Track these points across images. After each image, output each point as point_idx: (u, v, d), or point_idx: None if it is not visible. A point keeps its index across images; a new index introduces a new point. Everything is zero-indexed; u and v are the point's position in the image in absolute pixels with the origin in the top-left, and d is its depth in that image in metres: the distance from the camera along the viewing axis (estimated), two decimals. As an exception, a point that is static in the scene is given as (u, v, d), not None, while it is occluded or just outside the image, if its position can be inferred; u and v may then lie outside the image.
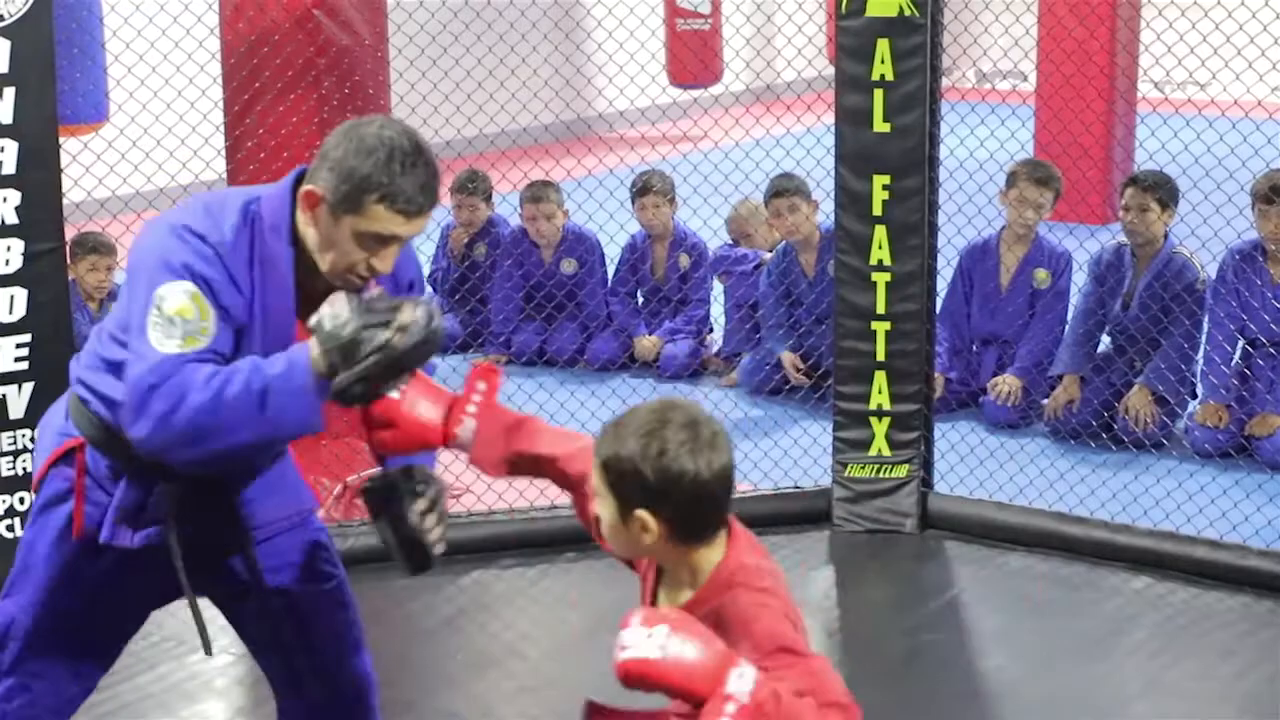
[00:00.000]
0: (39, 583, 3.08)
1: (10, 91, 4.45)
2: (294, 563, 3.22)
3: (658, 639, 2.33)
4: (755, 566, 2.49)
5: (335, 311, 2.78)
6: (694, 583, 2.50)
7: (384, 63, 5.56)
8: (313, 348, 2.79)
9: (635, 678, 2.34)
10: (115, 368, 2.90)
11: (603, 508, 2.49)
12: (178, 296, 2.77)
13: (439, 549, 3.10)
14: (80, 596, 3.08)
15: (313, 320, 2.80)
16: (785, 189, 6.72)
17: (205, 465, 2.86)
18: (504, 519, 5.33)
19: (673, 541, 2.45)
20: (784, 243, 6.87)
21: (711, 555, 2.49)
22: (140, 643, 4.52)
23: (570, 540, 5.27)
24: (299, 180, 2.88)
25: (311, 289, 2.88)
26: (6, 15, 4.42)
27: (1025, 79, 12.05)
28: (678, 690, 2.33)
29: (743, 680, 2.31)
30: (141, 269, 2.85)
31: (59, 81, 4.63)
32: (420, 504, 3.06)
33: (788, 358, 6.65)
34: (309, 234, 2.86)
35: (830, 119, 5.32)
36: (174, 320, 2.77)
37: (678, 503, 2.41)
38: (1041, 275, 6.58)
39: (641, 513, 2.41)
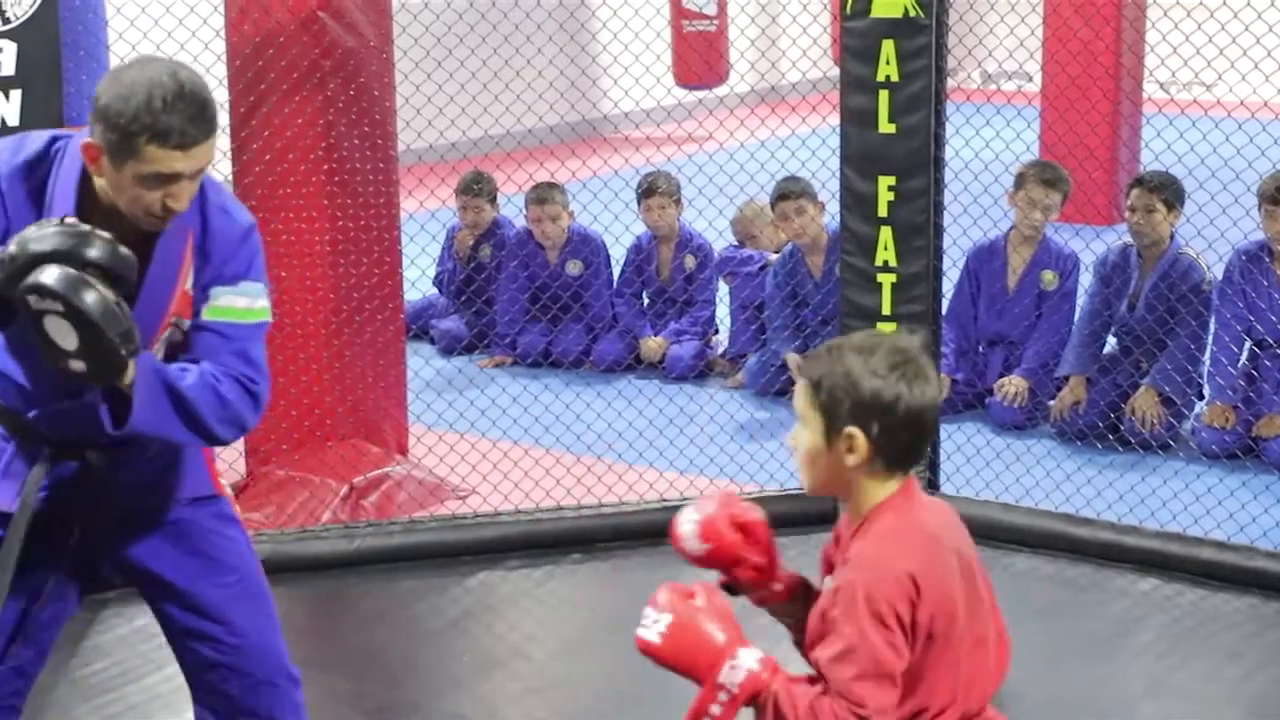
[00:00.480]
0: None
1: (17, 94, 4.48)
2: (189, 552, 3.19)
3: (660, 625, 2.45)
4: (904, 527, 2.51)
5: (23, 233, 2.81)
6: (859, 517, 2.56)
7: (389, 65, 5.57)
8: None
9: (644, 654, 2.47)
10: None
11: (804, 433, 2.54)
12: None
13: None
14: None
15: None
16: (791, 192, 6.73)
17: None
18: (509, 520, 5.34)
19: (873, 465, 2.51)
20: (790, 244, 6.88)
21: (890, 487, 2.55)
22: (148, 644, 4.54)
23: (576, 542, 5.28)
24: None
25: (120, 231, 2.87)
26: (13, 18, 4.43)
27: (1030, 80, 12.06)
28: (679, 673, 2.44)
29: (734, 672, 2.42)
30: None
31: (64, 84, 4.65)
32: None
33: (793, 359, 6.65)
34: (99, 183, 2.88)
35: (835, 120, 5.33)
36: None
37: (887, 424, 2.47)
38: (1049, 276, 6.58)
39: (851, 429, 2.48)
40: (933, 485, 5.43)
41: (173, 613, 3.22)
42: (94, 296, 2.77)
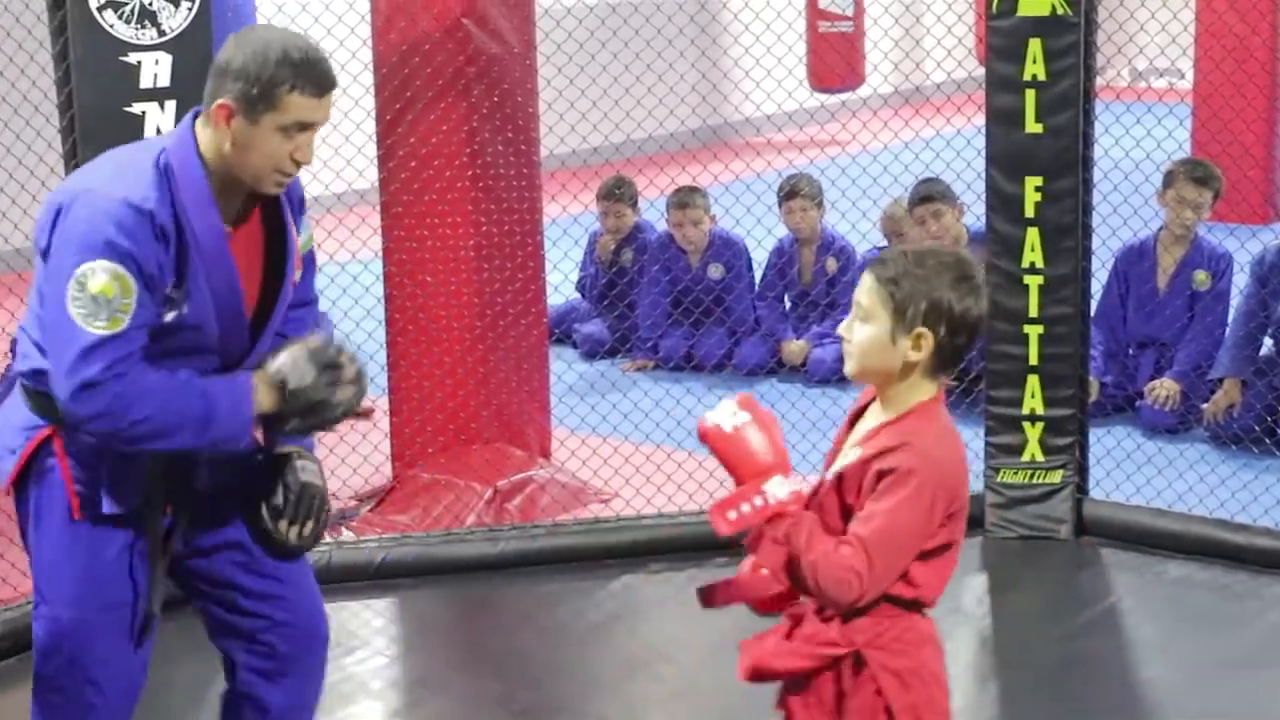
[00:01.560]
0: (71, 575, 3.13)
1: (171, 105, 4.57)
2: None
3: (736, 420, 2.70)
4: (943, 429, 2.77)
5: (299, 371, 3.09)
6: (899, 409, 2.79)
7: (532, 70, 5.62)
8: (262, 391, 3.07)
9: (702, 436, 2.71)
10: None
11: (865, 327, 2.77)
12: (100, 276, 2.91)
13: (308, 542, 3.25)
14: (111, 576, 3.14)
15: (273, 372, 3.08)
16: (929, 195, 6.69)
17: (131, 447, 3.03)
18: (652, 523, 5.36)
19: (927, 365, 2.77)
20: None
21: (932, 388, 2.80)
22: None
23: (719, 545, 5.28)
24: (195, 118, 3.08)
25: (230, 209, 3.08)
26: (168, 31, 4.54)
27: (1183, 76, 11.87)
28: (726, 464, 2.68)
29: (781, 488, 2.66)
30: (66, 242, 2.95)
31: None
32: (277, 502, 3.20)
33: None
34: (224, 151, 3.02)
35: (980, 120, 5.29)
36: (98, 299, 2.91)
37: (951, 329, 2.75)
38: (1201, 277, 6.48)
39: (924, 330, 2.73)
40: (1081, 490, 5.37)
41: (245, 581, 3.30)
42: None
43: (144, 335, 2.97)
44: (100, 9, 4.47)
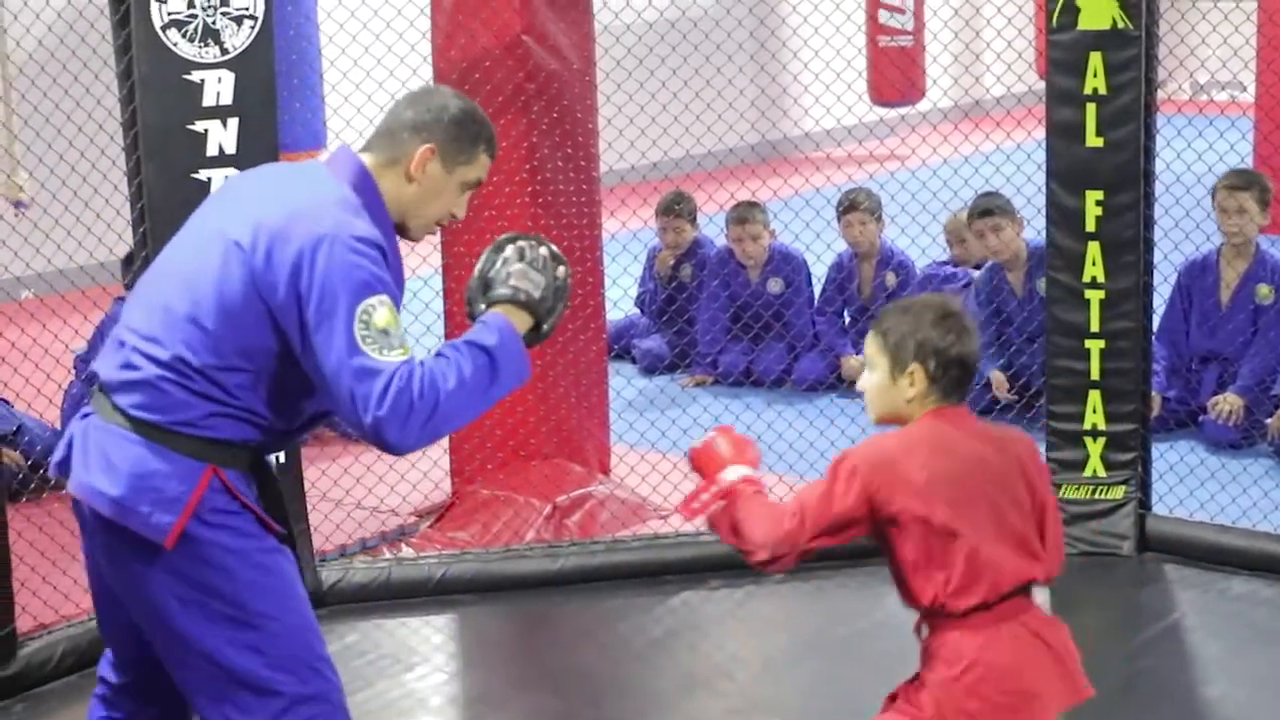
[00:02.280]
0: (279, 592, 3.08)
1: (234, 122, 4.60)
2: None
3: (705, 437, 3.21)
4: (914, 432, 3.09)
5: (531, 279, 3.21)
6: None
7: (591, 86, 5.63)
8: (515, 317, 3.17)
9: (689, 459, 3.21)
10: (216, 388, 3.02)
11: (870, 375, 3.15)
12: (381, 310, 3.00)
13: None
14: (300, 589, 3.15)
15: (507, 292, 3.19)
16: (988, 209, 6.65)
17: None
18: (712, 540, 5.30)
19: (927, 398, 3.10)
20: (991, 261, 6.79)
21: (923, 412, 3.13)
22: (358, 660, 4.64)
23: (779, 561, 5.26)
24: (361, 162, 3.17)
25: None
26: (231, 49, 4.57)
27: (1244, 89, 11.76)
28: (697, 471, 3.18)
29: (731, 473, 3.13)
30: (331, 277, 2.98)
31: (279, 112, 4.78)
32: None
33: (996, 377, 6.56)
34: (404, 194, 3.17)
35: (1040, 134, 5.25)
36: (387, 331, 2.99)
37: (944, 364, 3.08)
38: (1264, 290, 6.41)
39: (915, 367, 3.08)
40: (1144, 505, 5.32)
41: None
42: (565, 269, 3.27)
43: None
44: (165, 28, 4.50)
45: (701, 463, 3.19)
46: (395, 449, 3.01)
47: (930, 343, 3.09)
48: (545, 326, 3.23)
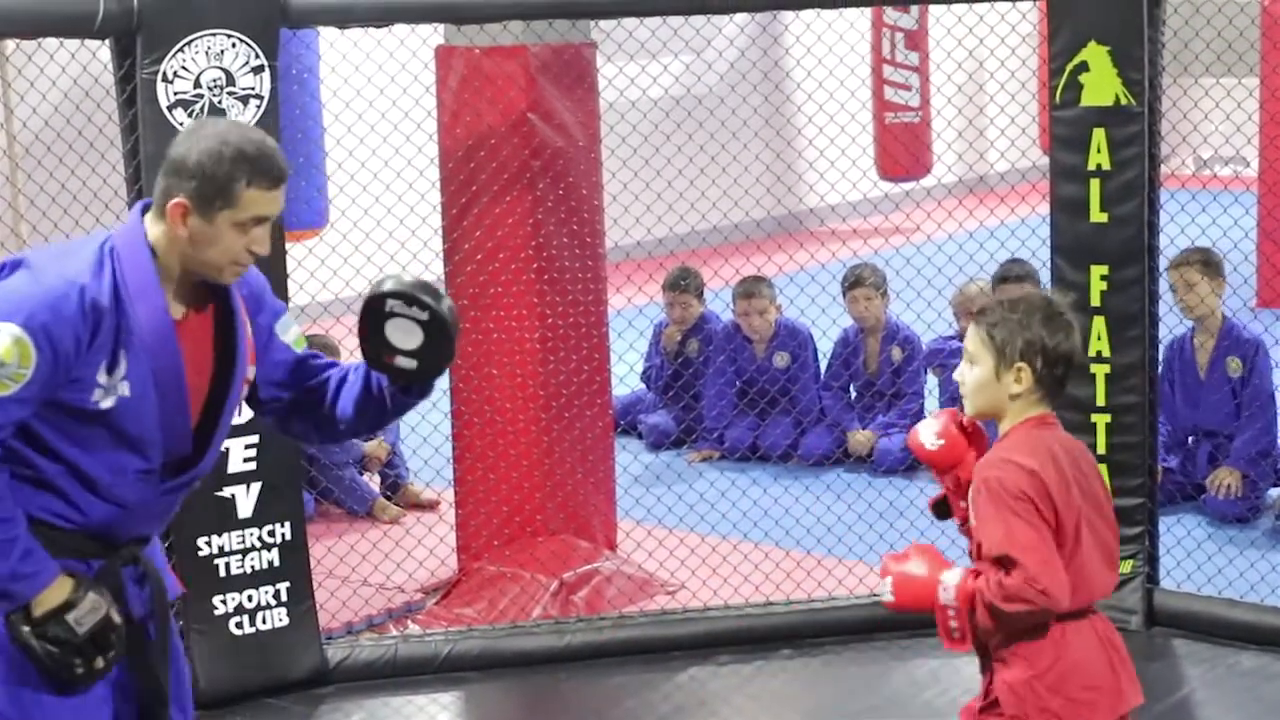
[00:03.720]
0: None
1: (240, 200, 4.62)
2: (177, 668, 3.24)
3: (889, 588, 3.21)
4: (1028, 438, 3.17)
5: (81, 616, 2.97)
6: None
7: (597, 163, 5.66)
8: (51, 596, 2.94)
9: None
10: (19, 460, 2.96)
11: (973, 369, 3.21)
12: (5, 341, 2.86)
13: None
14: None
15: (76, 591, 2.97)
16: (1012, 275, 6.64)
17: None
18: (719, 615, 5.32)
19: (1030, 396, 3.18)
20: None
21: (1035, 413, 3.22)
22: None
23: (786, 637, 5.24)
24: (144, 210, 3.05)
25: (186, 302, 3.07)
26: (236, 127, 4.59)
27: (1247, 164, 11.79)
28: (917, 613, 3.19)
29: (946, 593, 3.14)
30: None
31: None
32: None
33: None
34: (178, 246, 3.00)
35: (1045, 209, 5.27)
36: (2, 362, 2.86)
37: (1050, 362, 3.17)
38: (1234, 365, 6.43)
39: (1022, 365, 3.16)
40: (1152, 580, 5.29)
41: None
42: (449, 304, 3.10)
43: (23, 410, 2.90)
44: (170, 107, 4.53)
45: (914, 598, 3.19)
46: None
47: (1039, 341, 3.17)
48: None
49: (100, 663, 3.00)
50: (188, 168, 2.98)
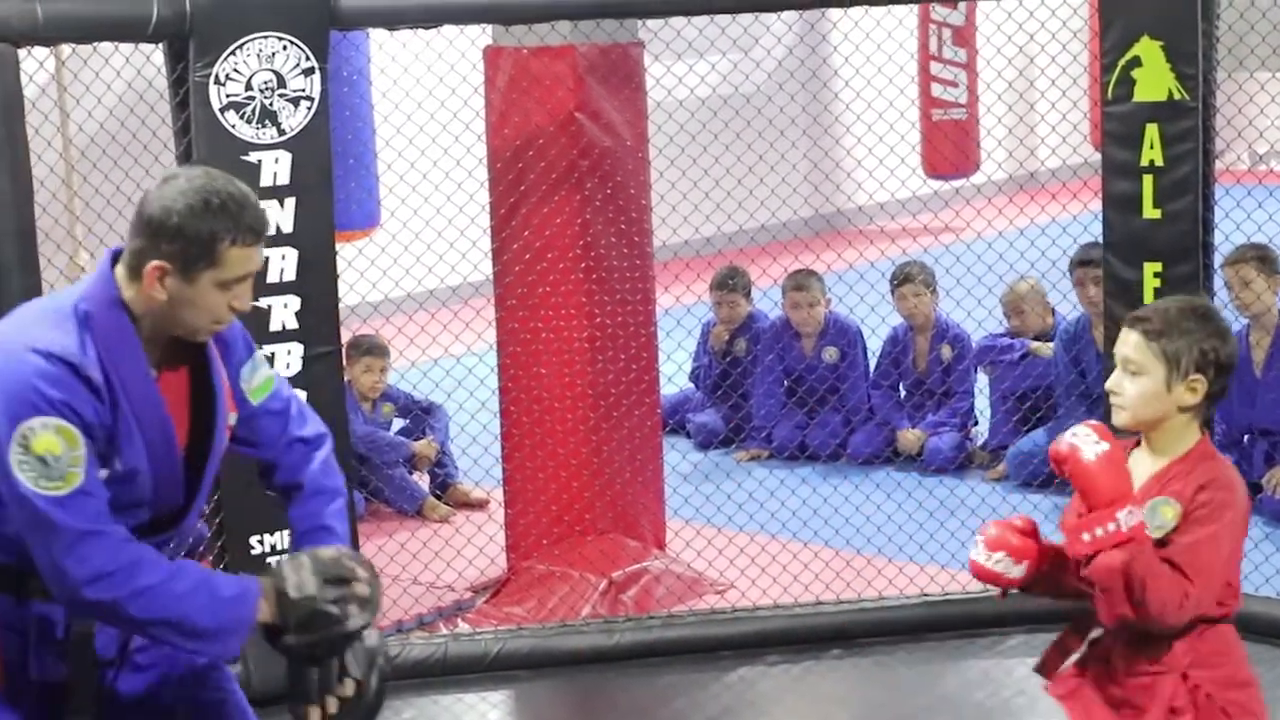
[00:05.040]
0: None
1: (291, 202, 4.66)
2: (182, 684, 3.12)
3: (1099, 449, 3.01)
4: (1230, 465, 3.14)
5: (300, 578, 2.85)
6: (1177, 451, 3.12)
7: (644, 163, 5.66)
8: (266, 602, 2.84)
9: (1060, 460, 3.04)
10: None
11: (1136, 382, 3.08)
12: (45, 434, 2.72)
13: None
14: None
15: (274, 580, 2.84)
16: (1091, 259, 6.57)
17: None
18: (768, 615, 5.32)
19: (1200, 405, 3.09)
20: (1079, 315, 6.72)
21: (1197, 432, 3.13)
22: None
23: (836, 637, 5.23)
24: (114, 264, 2.87)
25: (159, 358, 2.91)
26: (288, 130, 4.63)
27: (1303, 159, 11.71)
28: (1082, 489, 3.00)
29: (1131, 516, 2.97)
30: None
31: (335, 191, 4.82)
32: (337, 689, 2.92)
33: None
34: (154, 305, 2.84)
35: (1096, 206, 5.24)
36: (45, 460, 2.72)
37: (1222, 372, 3.08)
38: None
39: (1197, 377, 3.06)
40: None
41: None
42: (386, 670, 2.93)
43: (103, 493, 2.77)
44: (223, 110, 4.56)
45: (1088, 483, 3.00)
46: (63, 588, 2.75)
47: (1213, 352, 3.08)
48: (287, 639, 2.85)
49: (361, 588, 2.87)
50: (167, 228, 2.78)
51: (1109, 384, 3.14)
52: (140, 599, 2.76)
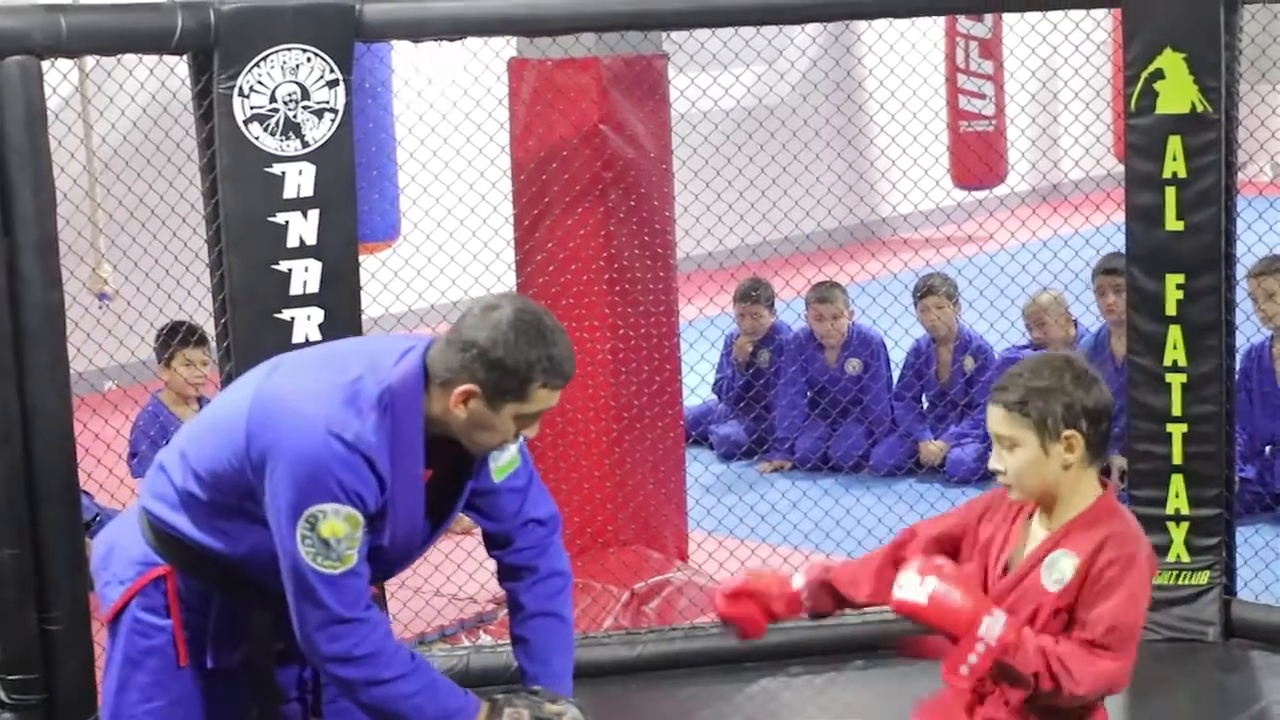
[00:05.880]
0: (126, 714, 3.09)
1: (314, 213, 4.66)
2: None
3: (927, 588, 2.94)
4: (1132, 518, 3.05)
5: None
6: (1077, 508, 3.04)
7: (668, 174, 5.66)
8: None
9: (901, 612, 2.97)
10: (193, 505, 3.03)
11: (1014, 455, 2.99)
12: (334, 520, 2.90)
13: None
14: None
15: (494, 716, 3.05)
16: (1114, 267, 6.53)
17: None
18: (791, 626, 5.29)
19: (1085, 457, 2.99)
20: (1100, 327, 6.70)
21: (1095, 487, 3.04)
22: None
23: (859, 648, 5.22)
24: (424, 362, 2.99)
25: (431, 454, 3.03)
26: (312, 142, 4.64)
27: (1327, 171, 11.66)
28: (937, 629, 2.94)
29: (993, 626, 2.91)
30: (292, 471, 2.91)
31: (358, 203, 4.83)
32: None
33: (1118, 462, 6.32)
34: (452, 419, 2.97)
35: (1119, 217, 5.23)
36: (329, 542, 2.90)
37: (1095, 420, 2.98)
38: None
39: (1070, 432, 2.96)
40: (1229, 591, 5.23)
41: None
42: None
43: (367, 572, 2.98)
44: (247, 122, 4.57)
45: (938, 623, 2.96)
46: (314, 654, 2.97)
47: (1078, 403, 2.98)
48: None
49: None
50: (489, 358, 2.92)
51: (990, 464, 3.06)
52: (373, 688, 2.97)
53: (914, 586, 2.96)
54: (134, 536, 3.12)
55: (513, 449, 3.19)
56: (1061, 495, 3.04)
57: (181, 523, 3.06)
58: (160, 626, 3.08)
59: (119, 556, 3.13)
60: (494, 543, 3.30)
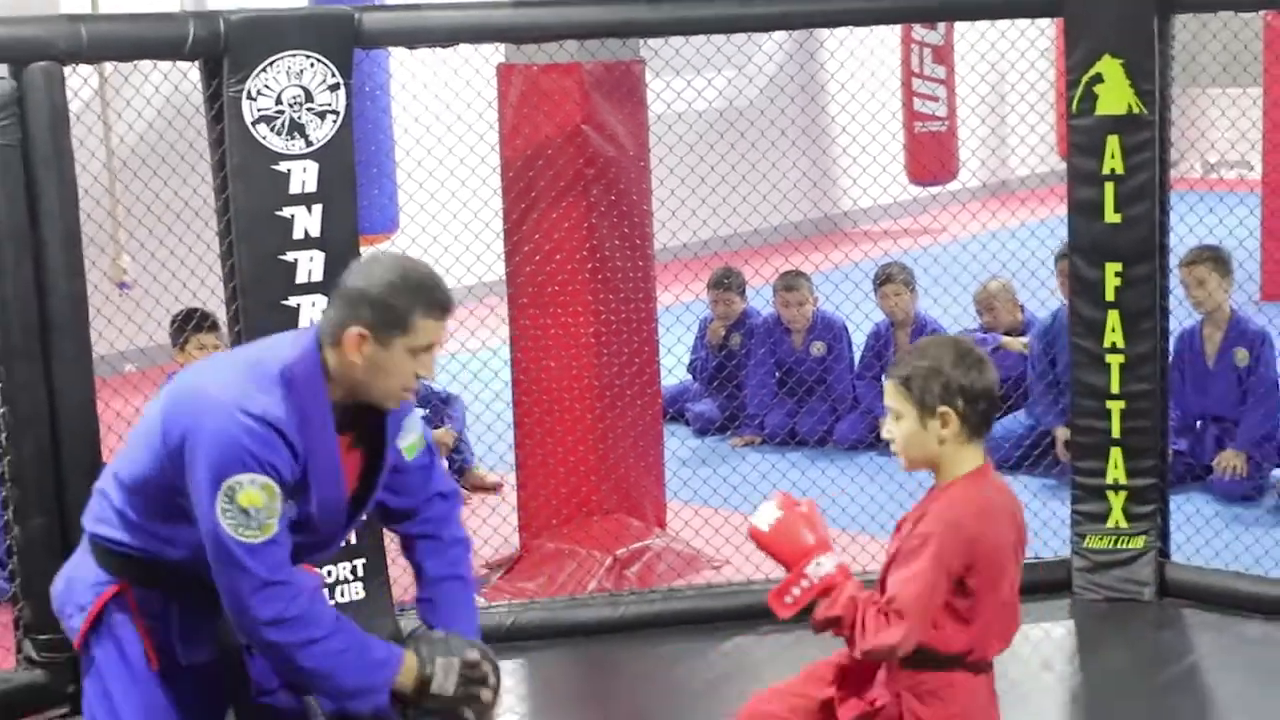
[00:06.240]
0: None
1: (318, 208, 4.65)
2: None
3: (770, 519, 3.05)
4: (981, 498, 3.01)
5: (447, 680, 3.00)
6: (952, 478, 3.06)
7: (646, 171, 5.65)
8: (408, 672, 2.99)
9: (750, 538, 3.08)
10: (132, 519, 2.98)
11: (900, 425, 3.03)
12: (251, 489, 2.85)
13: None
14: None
15: (424, 668, 2.99)
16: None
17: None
18: (762, 588, 5.28)
19: (960, 438, 3.00)
20: (1059, 307, 6.72)
21: (973, 462, 3.05)
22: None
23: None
24: (316, 336, 2.98)
25: (341, 422, 3.00)
26: (315, 141, 4.62)
27: (1251, 169, 11.68)
28: (775, 558, 3.05)
29: (818, 568, 3.00)
30: (207, 449, 2.86)
31: (358, 198, 4.81)
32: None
33: (1061, 434, 6.37)
34: (352, 372, 2.95)
35: (1062, 211, 5.24)
36: (248, 511, 2.85)
37: (972, 399, 2.98)
38: (1241, 355, 6.37)
39: (944, 409, 2.97)
40: (1163, 554, 5.25)
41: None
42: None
43: (288, 542, 2.92)
44: (255, 123, 4.55)
45: (776, 551, 3.00)
46: (246, 625, 2.89)
47: (954, 382, 2.99)
48: (409, 712, 3.01)
49: (486, 695, 3.05)
50: (369, 297, 2.93)
51: (883, 433, 3.11)
52: (307, 649, 2.90)
53: (765, 516, 3.05)
54: (87, 565, 3.06)
55: (419, 429, 3.18)
56: (942, 467, 3.06)
57: (125, 538, 2.99)
58: (127, 638, 3.02)
59: (76, 587, 3.06)
60: (395, 517, 3.27)
